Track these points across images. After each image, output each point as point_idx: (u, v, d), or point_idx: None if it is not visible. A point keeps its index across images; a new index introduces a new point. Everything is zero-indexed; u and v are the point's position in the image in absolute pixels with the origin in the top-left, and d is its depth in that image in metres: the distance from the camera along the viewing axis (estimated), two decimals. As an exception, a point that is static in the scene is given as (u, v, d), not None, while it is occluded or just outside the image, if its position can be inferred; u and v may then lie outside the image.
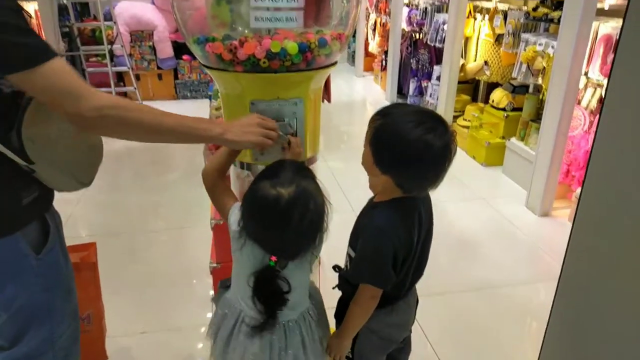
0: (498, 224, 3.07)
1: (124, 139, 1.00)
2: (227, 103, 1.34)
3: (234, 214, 1.12)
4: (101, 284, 1.84)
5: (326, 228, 1.07)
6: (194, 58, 5.70)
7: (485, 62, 4.22)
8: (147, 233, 2.94)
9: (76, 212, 3.10)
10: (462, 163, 3.98)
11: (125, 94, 5.81)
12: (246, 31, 1.22)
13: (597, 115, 2.99)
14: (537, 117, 3.47)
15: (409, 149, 1.03)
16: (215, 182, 1.20)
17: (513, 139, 3.64)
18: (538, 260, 2.71)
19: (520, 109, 3.67)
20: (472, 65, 4.42)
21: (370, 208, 1.20)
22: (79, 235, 2.81)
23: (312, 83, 1.25)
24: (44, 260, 1.09)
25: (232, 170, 1.45)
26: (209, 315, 2.19)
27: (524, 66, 3.47)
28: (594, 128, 3.00)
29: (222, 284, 1.29)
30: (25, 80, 0.88)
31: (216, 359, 1.23)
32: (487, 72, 4.22)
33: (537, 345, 2.07)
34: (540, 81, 3.39)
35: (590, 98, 3.04)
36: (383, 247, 1.10)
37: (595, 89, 3.01)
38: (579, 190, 3.01)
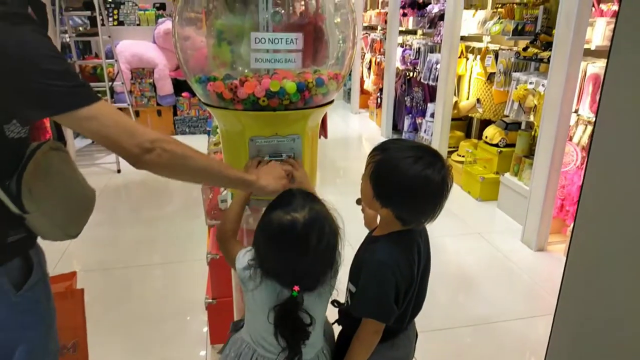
0: (494, 259, 3.07)
1: (173, 177, 1.05)
2: (227, 139, 1.38)
3: (241, 258, 1.12)
4: (94, 319, 1.82)
5: (340, 254, 1.09)
6: (193, 95, 5.82)
7: (478, 100, 4.32)
8: (142, 267, 2.91)
9: (71, 247, 3.09)
10: (457, 198, 4.01)
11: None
12: (246, 71, 1.27)
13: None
14: (530, 152, 3.53)
15: (409, 183, 1.07)
16: (230, 236, 1.23)
17: (507, 175, 3.69)
18: (534, 294, 2.70)
19: (513, 145, 3.73)
20: (465, 103, 4.53)
21: (370, 242, 1.22)
22: (72, 270, 2.78)
23: (309, 120, 1.29)
24: (25, 297, 1.07)
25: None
26: (203, 352, 2.16)
27: (516, 104, 3.56)
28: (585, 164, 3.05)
29: (233, 326, 1.28)
30: (82, 118, 0.92)
31: None
32: (480, 110, 4.31)
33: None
34: (532, 118, 3.47)
35: (581, 134, 3.11)
36: (385, 281, 1.12)
37: (586, 125, 3.08)
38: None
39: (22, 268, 1.07)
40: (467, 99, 4.55)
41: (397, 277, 1.12)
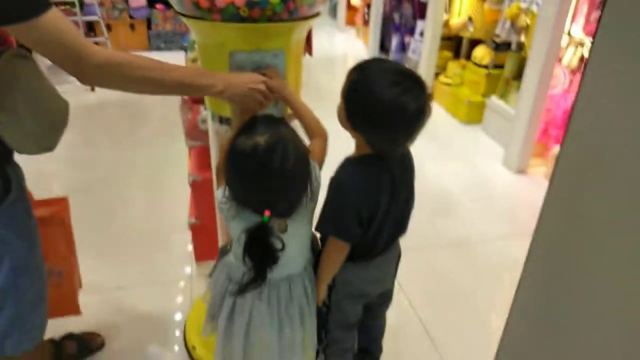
0: (475, 181, 3.11)
1: (126, 91, 1.01)
2: (205, 54, 1.29)
3: (219, 192, 1.11)
4: (77, 240, 1.80)
5: (315, 177, 1.07)
6: (168, 7, 5.45)
7: (469, 18, 4.15)
8: (121, 189, 2.88)
9: (47, 168, 3.01)
10: (441, 121, 3.96)
11: (96, 43, 5.55)
12: (224, -23, 1.15)
13: (577, 74, 3.01)
14: (519, 75, 3.46)
15: (381, 109, 1.02)
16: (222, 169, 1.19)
17: (493, 97, 3.64)
18: (513, 216, 2.77)
19: (502, 67, 3.65)
20: (456, 21, 4.34)
21: (342, 163, 1.19)
22: (51, 191, 2.74)
23: (294, 34, 1.20)
24: (4, 213, 1.06)
25: (211, 126, 1.41)
26: (188, 269, 2.20)
27: (508, 23, 3.43)
28: (573, 87, 3.01)
29: (221, 251, 1.29)
30: (23, 32, 0.86)
31: (220, 328, 1.22)
32: (471, 29, 4.15)
33: (510, 300, 2.16)
34: (523, 39, 3.36)
35: (571, 56, 3.03)
36: (343, 202, 1.11)
37: (577, 47, 3.00)
38: (555, 148, 3.05)
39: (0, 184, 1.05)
40: (459, 16, 4.35)
41: (356, 199, 1.11)
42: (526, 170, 3.18)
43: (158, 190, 2.87)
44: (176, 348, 1.78)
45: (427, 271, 2.27)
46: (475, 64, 3.87)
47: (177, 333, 1.84)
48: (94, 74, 0.93)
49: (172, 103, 3.70)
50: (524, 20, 3.30)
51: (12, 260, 1.09)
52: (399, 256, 1.37)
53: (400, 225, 1.26)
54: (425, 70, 4.35)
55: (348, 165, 1.15)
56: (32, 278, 1.17)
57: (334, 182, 1.12)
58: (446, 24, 4.40)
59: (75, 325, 1.75)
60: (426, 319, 1.97)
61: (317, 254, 1.24)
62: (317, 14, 1.25)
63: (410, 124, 1.04)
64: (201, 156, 1.98)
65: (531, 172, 3.19)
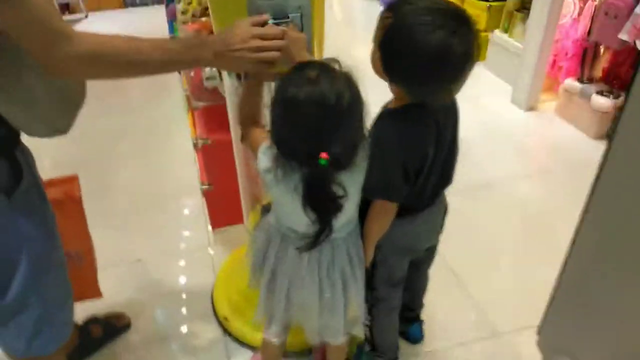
0: (484, 121, 3.00)
1: (100, 79, 0.91)
2: (217, 3, 1.13)
3: (262, 157, 1.00)
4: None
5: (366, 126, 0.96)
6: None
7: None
8: (118, 159, 2.73)
9: (36, 143, 2.84)
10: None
11: (67, 5, 5.19)
12: None
13: (587, 1, 2.85)
14: (522, 6, 3.29)
15: (424, 58, 0.90)
16: (249, 123, 1.09)
17: (497, 32, 3.47)
18: (526, 154, 2.72)
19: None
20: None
21: (379, 118, 1.08)
22: (44, 167, 2.58)
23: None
24: (19, 203, 0.95)
25: (228, 84, 1.27)
26: (204, 237, 2.10)
27: (510, -51, 3.21)
28: (583, 15, 2.86)
29: (264, 208, 1.22)
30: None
31: (263, 283, 1.19)
32: (468, -41, 3.90)
33: (527, 236, 2.12)
34: (527, -34, 3.16)
35: (581, -18, 2.86)
36: (388, 160, 1.02)
37: (587, -29, 2.82)
38: (567, 81, 2.94)
39: (9, 171, 0.94)
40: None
41: (402, 155, 1.02)
42: (536, 107, 3.08)
43: (155, 156, 2.73)
44: (206, 320, 1.72)
45: (449, 217, 2.21)
46: (475, -3, 3.67)
47: (205, 304, 1.77)
48: (69, 65, 0.81)
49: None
50: (527, -55, 3.09)
51: (33, 255, 0.98)
52: (446, 209, 1.29)
53: (445, 174, 1.18)
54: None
55: (388, 118, 1.05)
56: (56, 272, 1.07)
57: (375, 139, 1.01)
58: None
59: (96, 305, 1.67)
60: (457, 268, 1.92)
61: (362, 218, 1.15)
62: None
63: (456, 71, 0.93)
64: (208, 117, 1.84)
65: (542, 107, 3.09)
